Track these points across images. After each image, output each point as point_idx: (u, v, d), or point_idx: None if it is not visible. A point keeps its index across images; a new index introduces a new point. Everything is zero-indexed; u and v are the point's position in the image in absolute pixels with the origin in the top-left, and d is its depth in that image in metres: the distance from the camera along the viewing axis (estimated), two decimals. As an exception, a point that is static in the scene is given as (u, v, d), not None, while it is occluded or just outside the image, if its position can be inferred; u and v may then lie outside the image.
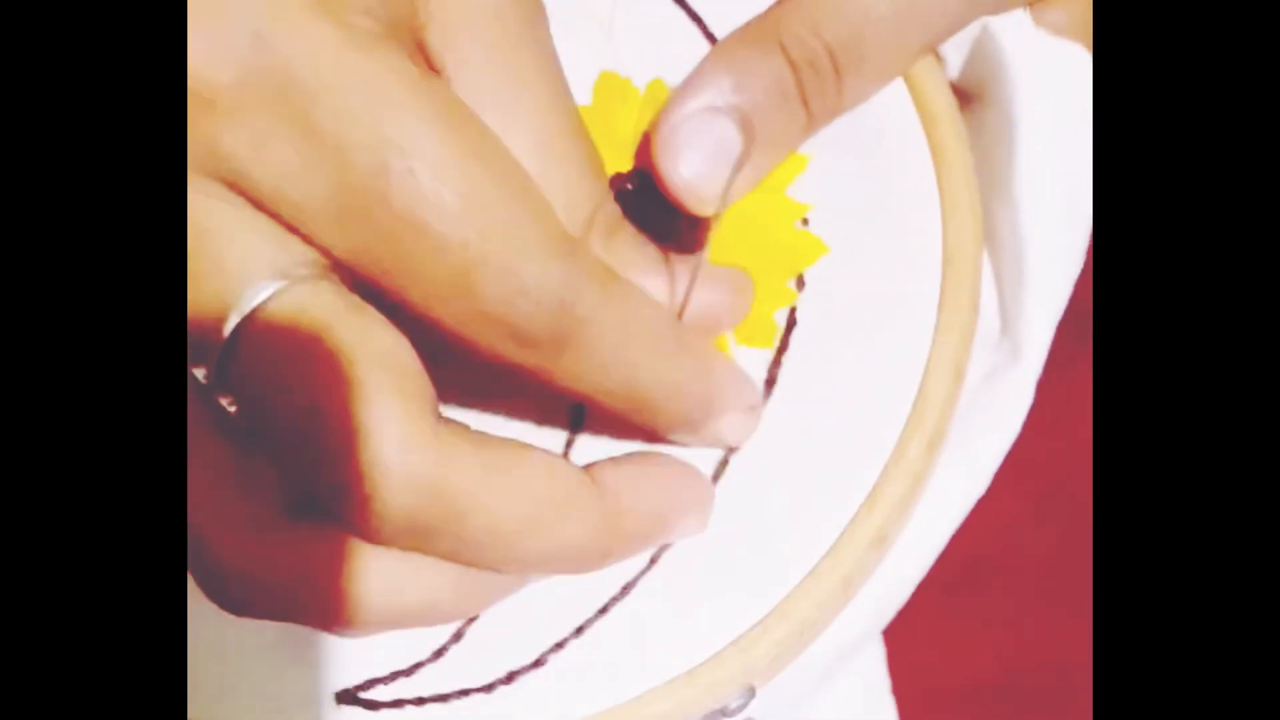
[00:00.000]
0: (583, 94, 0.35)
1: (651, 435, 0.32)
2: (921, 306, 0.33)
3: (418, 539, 0.27)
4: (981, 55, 0.35)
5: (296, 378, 0.26)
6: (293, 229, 0.28)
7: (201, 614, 0.31)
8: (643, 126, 0.35)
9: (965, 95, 0.35)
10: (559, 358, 0.29)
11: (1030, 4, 0.35)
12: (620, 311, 0.29)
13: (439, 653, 0.31)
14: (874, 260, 0.34)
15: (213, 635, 0.32)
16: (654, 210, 0.34)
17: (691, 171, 0.33)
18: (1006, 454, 0.33)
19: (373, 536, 0.27)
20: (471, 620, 0.32)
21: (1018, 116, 0.34)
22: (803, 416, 0.32)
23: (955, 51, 0.35)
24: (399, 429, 0.26)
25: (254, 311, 0.27)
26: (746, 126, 0.33)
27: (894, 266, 0.33)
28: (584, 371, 0.29)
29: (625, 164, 0.35)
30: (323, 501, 0.27)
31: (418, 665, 0.31)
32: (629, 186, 0.34)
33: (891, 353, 0.33)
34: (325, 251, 0.28)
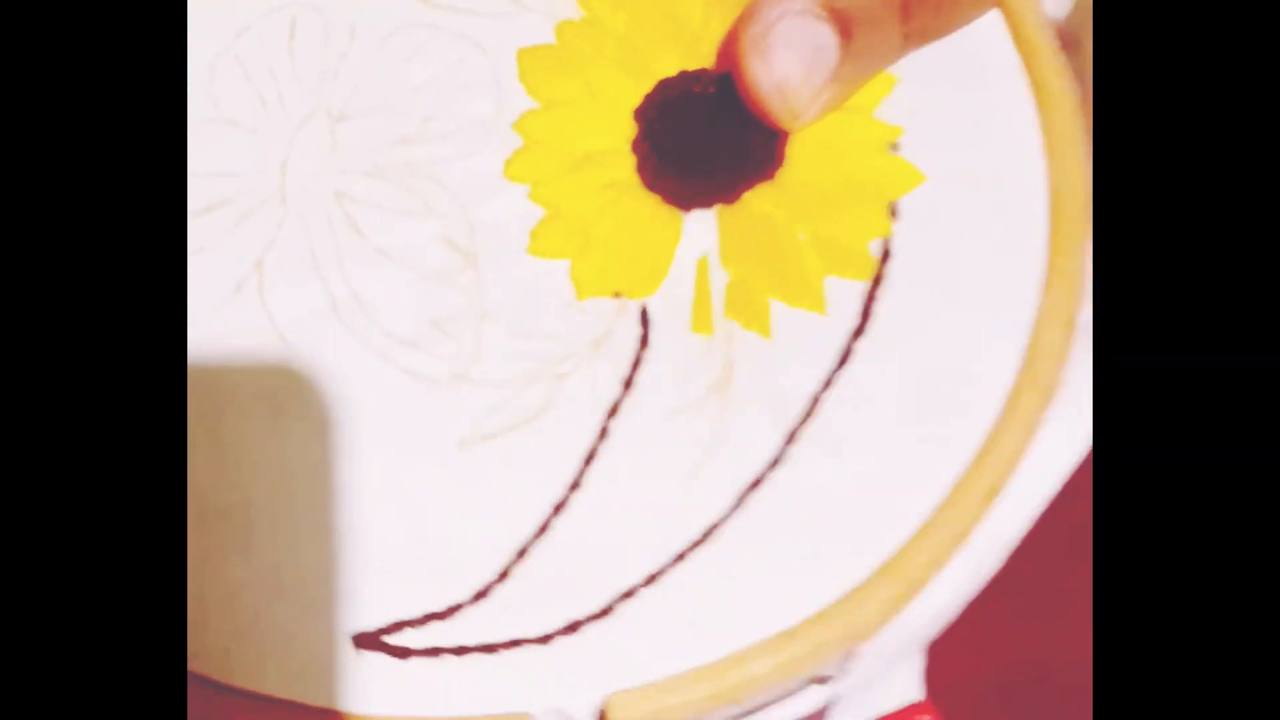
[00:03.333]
0: None
1: None
2: (1028, 249, 0.30)
3: None
4: None
5: None
6: None
7: (209, 557, 0.26)
8: (712, 16, 0.31)
9: (1067, 38, 0.33)
10: None
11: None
12: None
13: (482, 593, 0.26)
14: (974, 195, 0.30)
15: (221, 576, 0.27)
16: (729, 119, 0.30)
17: (784, 76, 0.29)
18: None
19: None
20: (520, 556, 0.27)
21: None
22: (903, 357, 0.29)
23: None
24: None
25: None
26: (845, 33, 0.30)
27: (996, 204, 0.30)
28: None
29: (693, 59, 0.31)
30: None
31: (456, 607, 0.26)
32: (710, 90, 0.31)
33: (998, 297, 0.29)
34: None
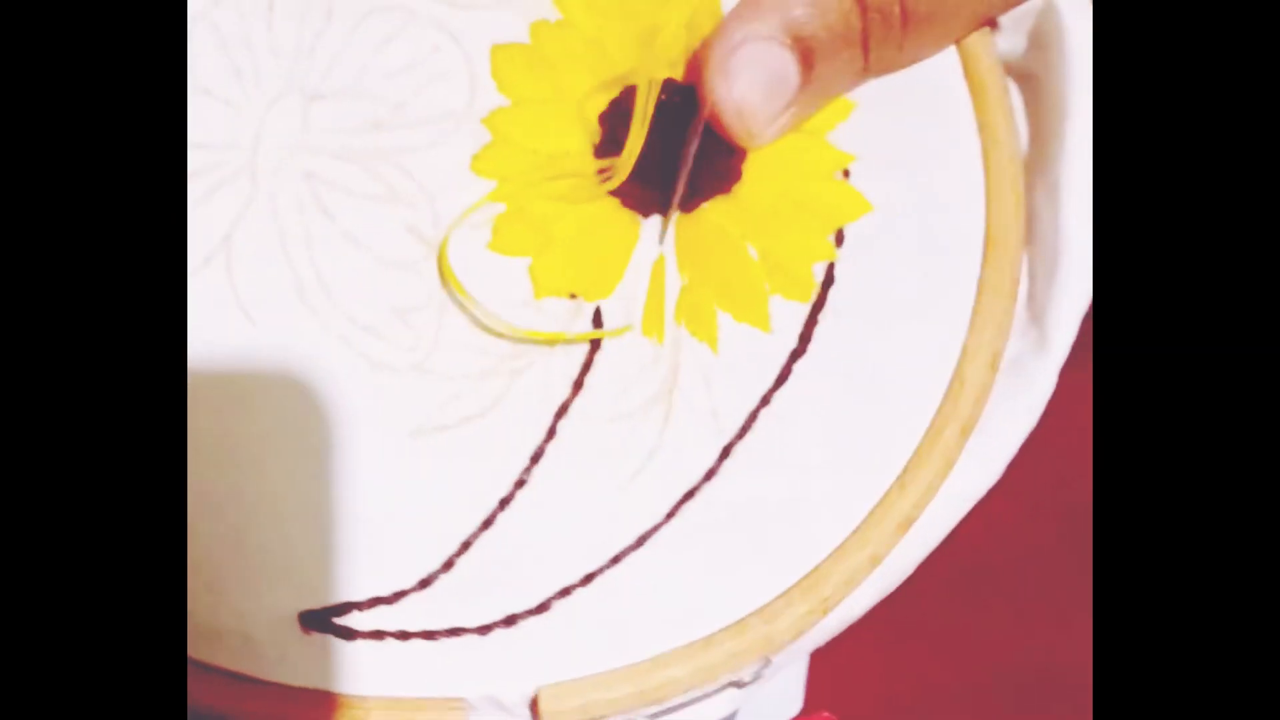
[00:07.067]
0: None
1: None
2: (961, 287, 0.32)
3: None
4: (1043, 32, 0.34)
5: None
6: None
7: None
8: (688, 32, 0.32)
9: (1023, 72, 0.34)
10: None
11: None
12: None
13: (426, 581, 0.28)
14: (915, 228, 0.32)
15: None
16: (690, 131, 0.31)
17: (744, 98, 0.31)
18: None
19: None
20: (464, 548, 0.28)
21: (1070, 104, 0.33)
22: (836, 382, 0.30)
23: (1018, 26, 0.34)
24: None
25: None
26: (806, 62, 0.31)
27: (935, 239, 0.32)
28: None
29: (664, 69, 0.32)
30: None
31: (401, 593, 0.28)
32: (674, 99, 0.32)
33: (929, 331, 0.31)
34: None
